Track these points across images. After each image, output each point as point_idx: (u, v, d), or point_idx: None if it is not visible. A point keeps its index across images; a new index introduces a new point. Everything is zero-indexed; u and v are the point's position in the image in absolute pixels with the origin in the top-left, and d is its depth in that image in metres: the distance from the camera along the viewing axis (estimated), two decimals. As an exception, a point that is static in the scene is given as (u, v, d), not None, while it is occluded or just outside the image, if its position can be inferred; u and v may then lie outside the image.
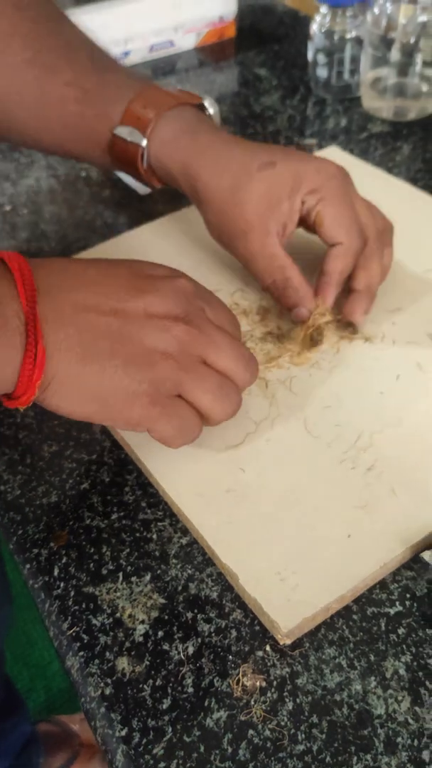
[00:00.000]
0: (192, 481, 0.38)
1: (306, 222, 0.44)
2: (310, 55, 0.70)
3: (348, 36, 0.67)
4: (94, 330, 0.32)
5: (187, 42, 0.82)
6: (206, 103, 0.49)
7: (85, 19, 0.75)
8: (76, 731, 1.03)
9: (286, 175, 0.42)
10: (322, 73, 0.70)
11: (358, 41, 0.67)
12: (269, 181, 0.42)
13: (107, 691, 0.32)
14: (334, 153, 0.62)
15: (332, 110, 0.70)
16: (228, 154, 0.44)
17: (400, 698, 0.31)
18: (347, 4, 0.66)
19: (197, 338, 0.34)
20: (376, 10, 0.63)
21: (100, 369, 0.32)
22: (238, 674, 0.32)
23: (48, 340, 0.31)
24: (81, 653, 0.33)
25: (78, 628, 0.34)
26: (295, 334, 0.44)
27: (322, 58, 0.69)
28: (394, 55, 0.64)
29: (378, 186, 0.58)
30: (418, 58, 0.64)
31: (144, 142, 0.46)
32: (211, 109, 0.49)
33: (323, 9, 0.67)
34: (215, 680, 0.32)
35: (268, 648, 0.33)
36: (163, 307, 0.34)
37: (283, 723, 0.31)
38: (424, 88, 0.66)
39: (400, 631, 0.33)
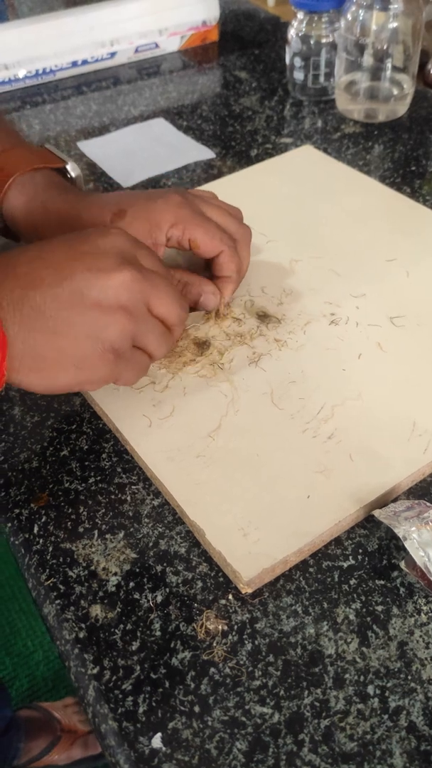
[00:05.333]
0: (165, 447, 0.41)
1: (179, 249, 0.46)
2: (287, 59, 0.74)
3: (323, 41, 0.71)
4: (50, 305, 0.35)
5: (171, 44, 0.85)
6: (68, 167, 0.50)
7: (71, 20, 0.78)
8: (57, 717, 1.04)
9: (139, 219, 0.44)
10: (298, 76, 0.73)
11: (333, 46, 0.71)
12: (126, 230, 0.43)
13: (81, 635, 0.35)
14: (308, 151, 0.66)
15: (308, 111, 0.73)
16: (78, 218, 0.45)
17: (349, 640, 0.34)
18: (323, 10, 0.69)
19: (142, 283, 0.37)
20: (349, 17, 0.66)
21: (64, 340, 0.35)
22: (202, 619, 0.35)
23: (7, 324, 0.34)
24: (57, 601, 0.36)
25: (55, 579, 0.37)
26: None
27: (298, 62, 0.72)
28: (367, 59, 0.68)
29: (348, 183, 0.61)
30: (389, 63, 0.68)
31: None
32: (73, 173, 0.50)
33: (300, 15, 0.70)
34: (181, 625, 0.35)
35: (230, 597, 0.36)
36: (106, 263, 0.36)
37: (241, 662, 0.33)
38: (395, 91, 0.69)
39: (352, 582, 0.36)
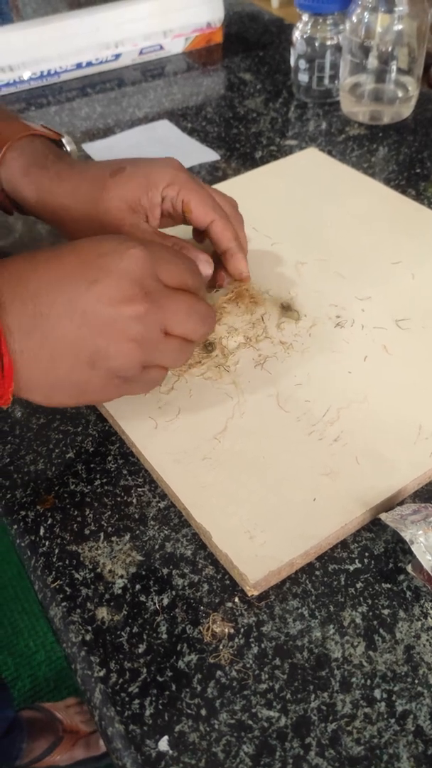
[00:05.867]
0: (171, 450, 0.41)
1: (173, 215, 0.46)
2: (292, 61, 0.74)
3: (328, 43, 0.71)
4: (57, 333, 0.34)
5: (175, 46, 0.85)
6: (64, 141, 0.50)
7: (76, 22, 0.78)
8: (59, 718, 1.04)
9: (138, 176, 0.44)
10: (303, 78, 0.73)
11: (338, 48, 0.71)
12: (124, 184, 0.44)
13: (87, 637, 0.35)
14: (313, 153, 0.66)
15: (313, 113, 0.73)
16: (79, 175, 0.45)
17: (355, 644, 0.34)
18: (327, 13, 0.69)
19: (155, 314, 0.35)
20: (354, 19, 0.66)
21: (69, 369, 0.35)
22: (208, 622, 0.35)
23: (14, 349, 0.33)
24: (63, 604, 0.36)
25: (61, 582, 0.37)
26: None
27: (303, 64, 0.72)
28: (372, 62, 0.68)
29: (353, 185, 0.61)
30: (394, 66, 0.68)
31: None
32: (69, 146, 0.51)
33: (305, 17, 0.70)
34: (187, 628, 0.35)
35: (236, 599, 0.36)
36: (118, 292, 0.34)
37: (248, 665, 0.33)
38: (399, 94, 0.69)
39: (358, 585, 0.36)
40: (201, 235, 0.48)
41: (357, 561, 0.37)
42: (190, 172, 0.46)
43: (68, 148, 0.51)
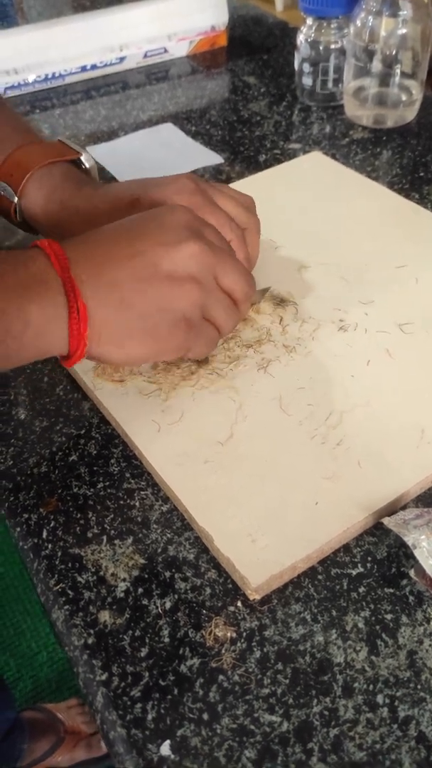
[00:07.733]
0: (173, 453, 0.41)
1: None
2: (296, 65, 0.74)
3: (332, 47, 0.71)
4: (124, 278, 0.37)
5: (180, 49, 0.86)
6: (83, 158, 0.50)
7: (81, 25, 0.79)
8: (61, 719, 1.05)
9: (153, 206, 0.44)
10: (307, 81, 0.73)
11: (342, 52, 0.71)
12: None
13: (90, 641, 0.35)
14: (316, 157, 0.66)
15: (316, 117, 0.73)
16: (96, 210, 0.46)
17: (358, 648, 0.34)
18: (332, 16, 0.69)
19: (209, 256, 0.39)
20: (358, 23, 0.66)
21: (140, 311, 0.37)
22: (210, 626, 0.35)
23: (86, 296, 0.36)
24: (66, 607, 0.36)
25: (64, 585, 0.37)
26: None
27: (307, 68, 0.72)
28: (376, 65, 0.68)
29: (356, 189, 0.61)
30: (398, 69, 0.68)
31: (15, 199, 0.48)
32: (87, 163, 0.51)
33: (309, 20, 0.71)
34: (190, 632, 0.35)
35: (239, 603, 0.36)
36: (174, 237, 0.38)
37: (250, 669, 0.33)
38: (403, 97, 0.69)
39: (361, 589, 0.36)
40: None
41: (359, 565, 0.37)
42: (205, 185, 0.45)
43: (87, 165, 0.51)
